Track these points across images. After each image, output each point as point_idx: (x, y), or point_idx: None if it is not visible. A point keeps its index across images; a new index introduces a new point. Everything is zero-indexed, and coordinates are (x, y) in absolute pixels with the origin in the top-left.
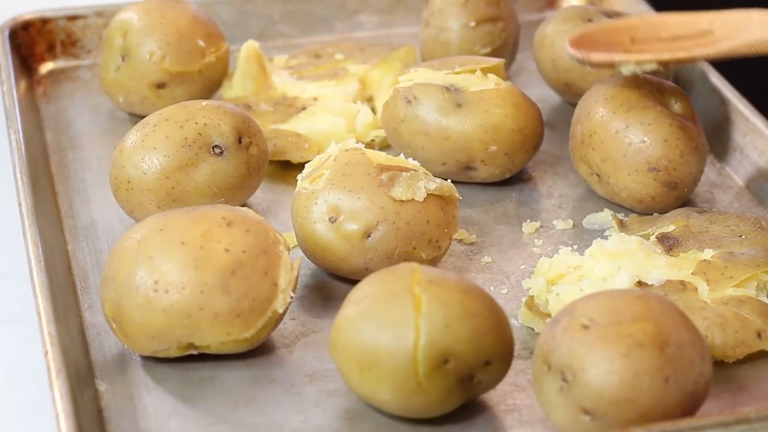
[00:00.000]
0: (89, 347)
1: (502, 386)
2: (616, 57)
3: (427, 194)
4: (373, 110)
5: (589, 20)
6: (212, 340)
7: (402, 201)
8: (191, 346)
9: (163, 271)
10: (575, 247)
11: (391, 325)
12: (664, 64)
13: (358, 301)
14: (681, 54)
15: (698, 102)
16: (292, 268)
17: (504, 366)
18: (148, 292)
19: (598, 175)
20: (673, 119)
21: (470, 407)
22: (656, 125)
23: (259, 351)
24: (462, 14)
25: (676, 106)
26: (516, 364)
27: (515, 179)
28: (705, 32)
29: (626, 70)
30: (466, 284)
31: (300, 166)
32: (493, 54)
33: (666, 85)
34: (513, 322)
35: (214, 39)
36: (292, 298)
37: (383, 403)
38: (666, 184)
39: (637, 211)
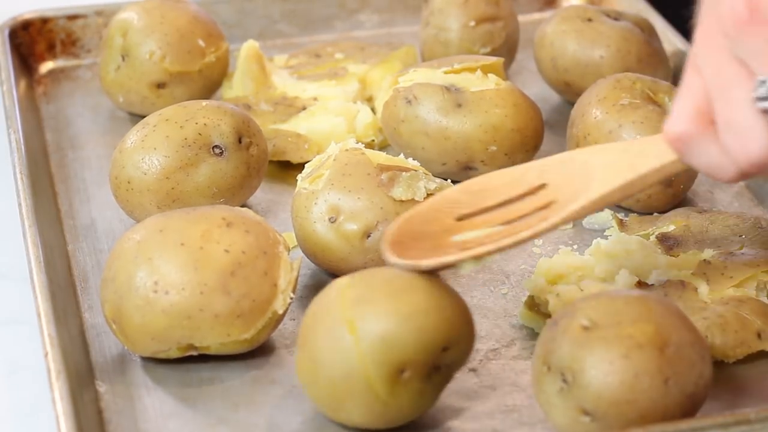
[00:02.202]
0: (89, 348)
1: (502, 386)
2: (450, 258)
3: (427, 194)
4: (373, 110)
5: (589, 20)
6: (212, 341)
7: (402, 201)
8: (191, 347)
9: (163, 272)
10: (575, 247)
11: (337, 364)
12: (507, 250)
13: (302, 345)
14: (521, 236)
15: None
16: (292, 269)
17: (467, 341)
18: (148, 293)
19: None
20: (665, 117)
21: (470, 407)
22: (648, 123)
23: (259, 352)
24: (462, 14)
25: (670, 104)
26: (516, 365)
27: None
28: (537, 189)
29: (465, 269)
30: (393, 284)
31: (300, 166)
32: (493, 53)
33: (659, 84)
34: (513, 322)
35: (214, 39)
36: (292, 298)
37: (365, 425)
38: (661, 181)
39: (635, 210)
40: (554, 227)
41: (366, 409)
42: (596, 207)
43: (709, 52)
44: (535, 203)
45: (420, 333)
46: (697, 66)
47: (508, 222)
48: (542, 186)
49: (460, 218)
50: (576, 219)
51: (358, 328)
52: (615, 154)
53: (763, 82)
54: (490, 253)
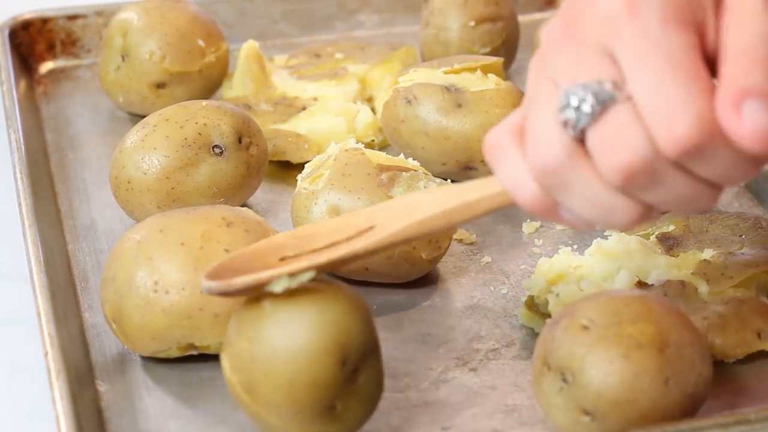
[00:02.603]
0: (89, 348)
1: (502, 386)
2: (264, 275)
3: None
4: (373, 110)
5: None
6: (212, 340)
7: None
8: (191, 346)
9: (163, 271)
10: (575, 247)
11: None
12: (325, 268)
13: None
14: (340, 252)
15: None
16: None
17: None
18: (148, 292)
19: None
20: None
21: (470, 407)
22: None
23: None
24: (462, 14)
25: None
26: (516, 365)
27: None
28: (366, 230)
29: (279, 287)
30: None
31: (300, 166)
32: (493, 53)
33: None
34: (513, 322)
35: (214, 39)
36: None
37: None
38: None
39: None
40: (374, 247)
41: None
42: (418, 230)
43: (532, 73)
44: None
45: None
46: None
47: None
48: (370, 228)
49: (283, 259)
50: (396, 243)
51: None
52: (446, 192)
53: (565, 92)
54: (304, 270)
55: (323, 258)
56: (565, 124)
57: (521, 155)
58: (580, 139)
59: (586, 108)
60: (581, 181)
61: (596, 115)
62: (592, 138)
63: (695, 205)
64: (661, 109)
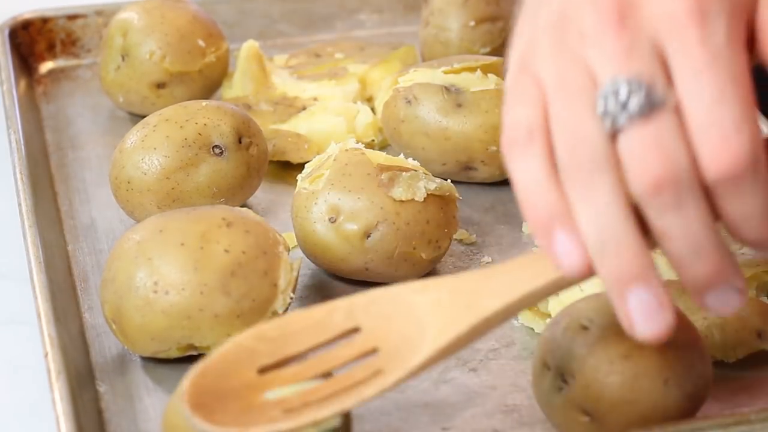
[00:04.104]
0: (89, 348)
1: (502, 386)
2: (283, 425)
3: (427, 194)
4: (373, 110)
5: None
6: (212, 341)
7: (402, 201)
8: (191, 347)
9: (163, 272)
10: None
11: None
12: (352, 406)
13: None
14: (350, 401)
15: None
16: (292, 269)
17: None
18: (148, 293)
19: None
20: None
21: (470, 407)
22: None
23: None
24: (462, 13)
25: None
26: (516, 365)
27: None
28: (348, 332)
29: None
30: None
31: (300, 166)
32: (493, 53)
33: None
34: (513, 322)
35: (214, 39)
36: (291, 298)
37: None
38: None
39: None
40: (401, 381)
41: None
42: (438, 359)
43: (552, 56)
44: (351, 350)
45: None
46: (534, 72)
47: (323, 374)
48: (355, 330)
49: (262, 370)
50: (417, 374)
51: None
52: (443, 293)
53: (614, 81)
54: (333, 415)
55: (351, 400)
56: (604, 114)
57: (542, 154)
58: (612, 135)
59: (634, 104)
60: (604, 185)
61: (643, 115)
62: (630, 138)
63: (695, 258)
64: (715, 125)
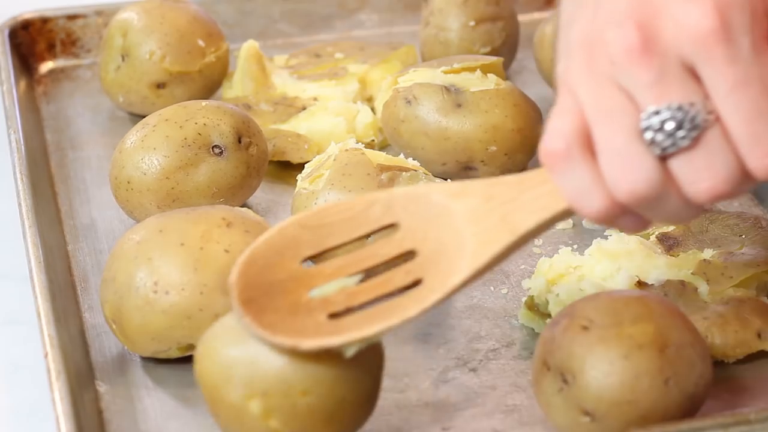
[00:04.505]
0: (89, 348)
1: (502, 386)
2: (334, 340)
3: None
4: (373, 110)
5: None
6: None
7: None
8: (191, 347)
9: (163, 272)
10: (575, 247)
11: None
12: (394, 327)
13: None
14: (394, 320)
15: None
16: None
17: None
18: (148, 293)
19: None
20: None
21: (470, 407)
22: None
23: None
24: (462, 13)
25: None
26: (516, 365)
27: None
28: (385, 227)
29: (350, 351)
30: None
31: (300, 166)
32: (493, 53)
33: None
34: (513, 322)
35: (214, 39)
36: None
37: None
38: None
39: None
40: (439, 302)
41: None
42: (476, 278)
43: (586, 75)
44: (389, 249)
45: None
46: (571, 87)
47: (363, 271)
48: (392, 226)
49: (305, 260)
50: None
51: None
52: (479, 200)
53: (656, 113)
54: (379, 334)
55: (396, 320)
56: (651, 143)
57: (590, 167)
58: (662, 158)
59: (682, 134)
60: (668, 200)
61: (692, 142)
62: (684, 162)
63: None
64: (757, 134)
